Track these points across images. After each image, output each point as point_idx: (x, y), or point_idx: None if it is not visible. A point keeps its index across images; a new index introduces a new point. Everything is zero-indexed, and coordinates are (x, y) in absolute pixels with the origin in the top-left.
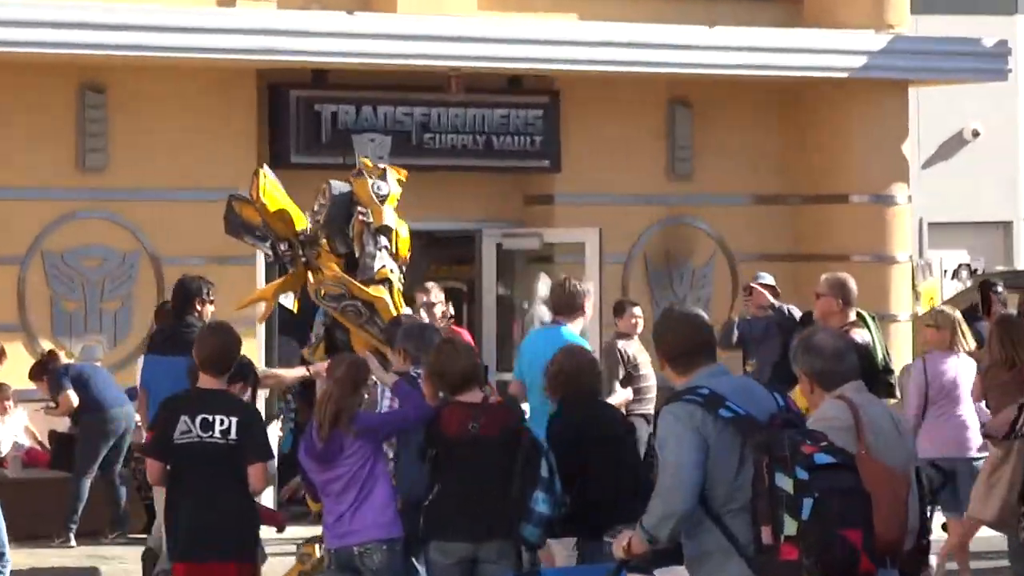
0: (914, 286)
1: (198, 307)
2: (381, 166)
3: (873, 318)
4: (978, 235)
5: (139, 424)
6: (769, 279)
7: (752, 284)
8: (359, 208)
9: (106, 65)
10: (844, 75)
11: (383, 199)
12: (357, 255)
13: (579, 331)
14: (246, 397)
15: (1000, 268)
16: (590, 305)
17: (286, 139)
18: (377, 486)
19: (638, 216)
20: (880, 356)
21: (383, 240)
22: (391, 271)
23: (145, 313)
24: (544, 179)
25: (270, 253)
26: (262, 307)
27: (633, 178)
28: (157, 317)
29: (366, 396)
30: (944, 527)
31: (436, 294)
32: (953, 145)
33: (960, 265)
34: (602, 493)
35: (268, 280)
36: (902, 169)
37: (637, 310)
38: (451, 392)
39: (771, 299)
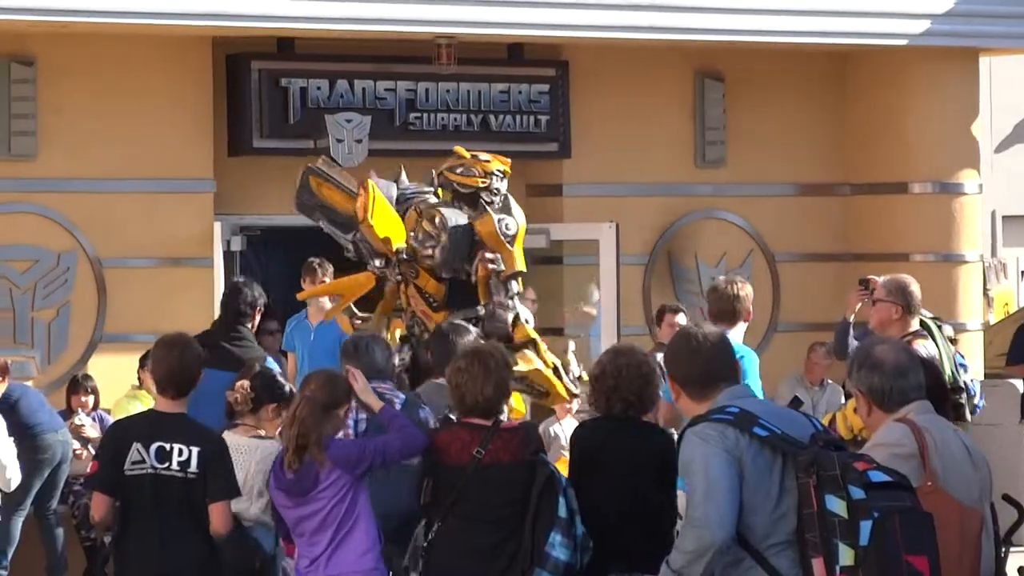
0: (986, 290)
1: (257, 317)
2: (500, 190)
3: (940, 327)
4: None
5: (77, 453)
6: None
7: (871, 277)
8: (487, 256)
9: (32, 32)
10: (903, 42)
11: (511, 240)
12: (483, 302)
13: (741, 338)
14: (279, 421)
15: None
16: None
17: (247, 120)
18: (357, 526)
19: (661, 209)
20: (948, 371)
21: (515, 287)
22: (531, 327)
23: (83, 323)
24: (551, 166)
25: (350, 248)
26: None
27: (655, 165)
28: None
29: (344, 418)
30: (1021, 571)
31: None
32: None
33: None
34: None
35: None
36: (972, 153)
37: (680, 317)
38: (463, 415)
39: None
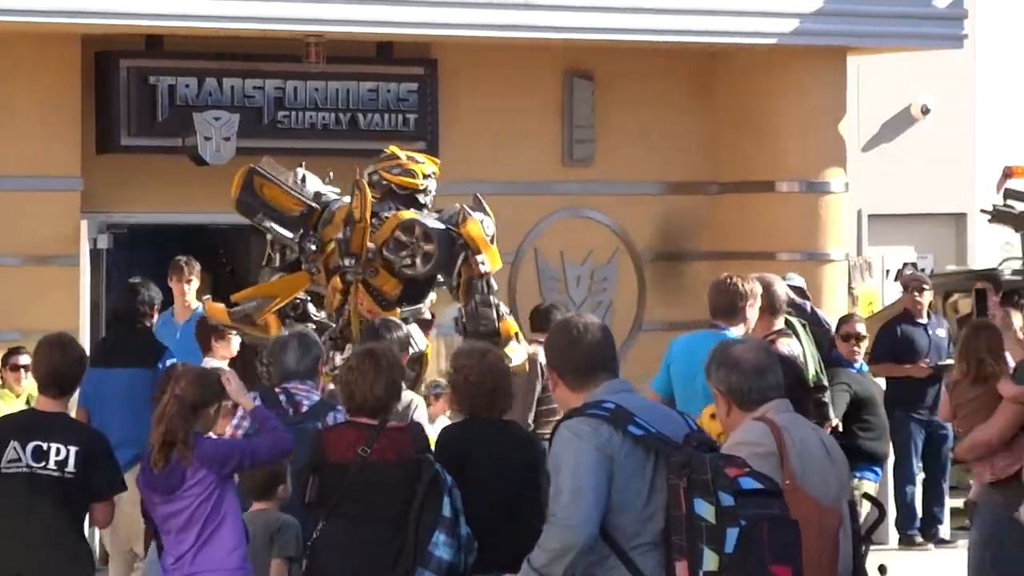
0: (850, 289)
1: (154, 315)
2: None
3: (804, 326)
4: (926, 229)
5: None
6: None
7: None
8: (476, 258)
9: None
10: (771, 41)
11: (492, 239)
12: (463, 304)
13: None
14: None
15: (952, 267)
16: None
17: (115, 117)
18: (224, 524)
19: (529, 207)
20: (812, 371)
21: (494, 284)
22: (512, 321)
23: None
24: None
25: (293, 245)
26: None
27: (523, 163)
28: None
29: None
30: (881, 569)
31: None
32: (898, 124)
33: (905, 264)
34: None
35: (95, 282)
36: (838, 152)
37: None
38: (351, 414)
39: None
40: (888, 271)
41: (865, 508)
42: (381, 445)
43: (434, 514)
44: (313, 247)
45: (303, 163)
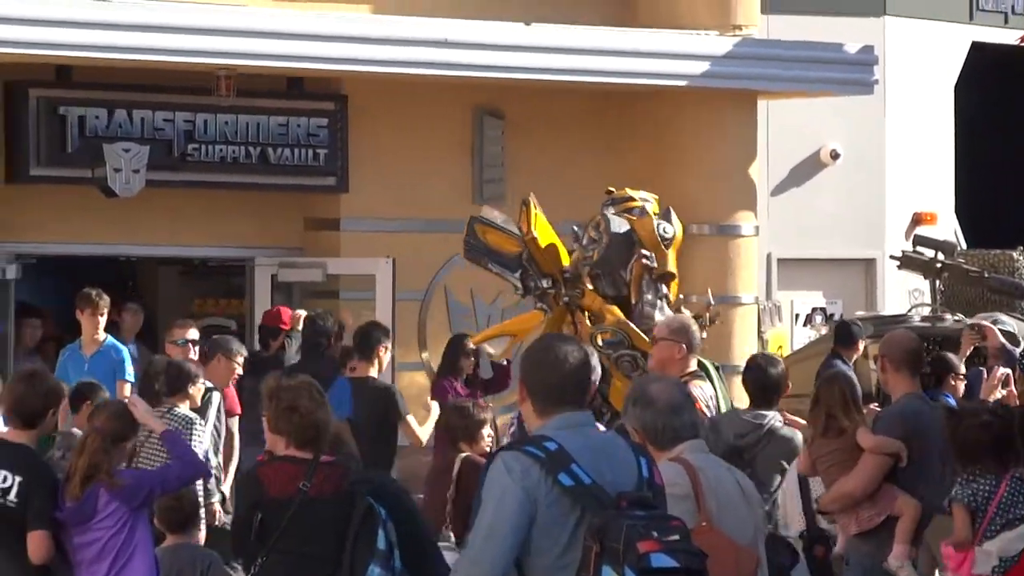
0: (760, 332)
1: (332, 343)
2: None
3: (717, 368)
4: (836, 274)
5: None
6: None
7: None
8: (643, 252)
9: None
10: (682, 83)
11: (668, 243)
12: (634, 301)
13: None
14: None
15: (861, 313)
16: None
17: (24, 147)
18: (136, 556)
19: (438, 245)
20: (724, 411)
21: (664, 288)
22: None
23: None
24: (329, 200)
25: (518, 285)
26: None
27: (433, 201)
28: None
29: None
30: None
31: (192, 333)
32: (809, 168)
33: (814, 309)
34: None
35: (3, 311)
36: (748, 195)
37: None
38: (285, 446)
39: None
40: (797, 315)
41: None
42: (319, 479)
43: (369, 547)
44: (534, 284)
45: (531, 193)
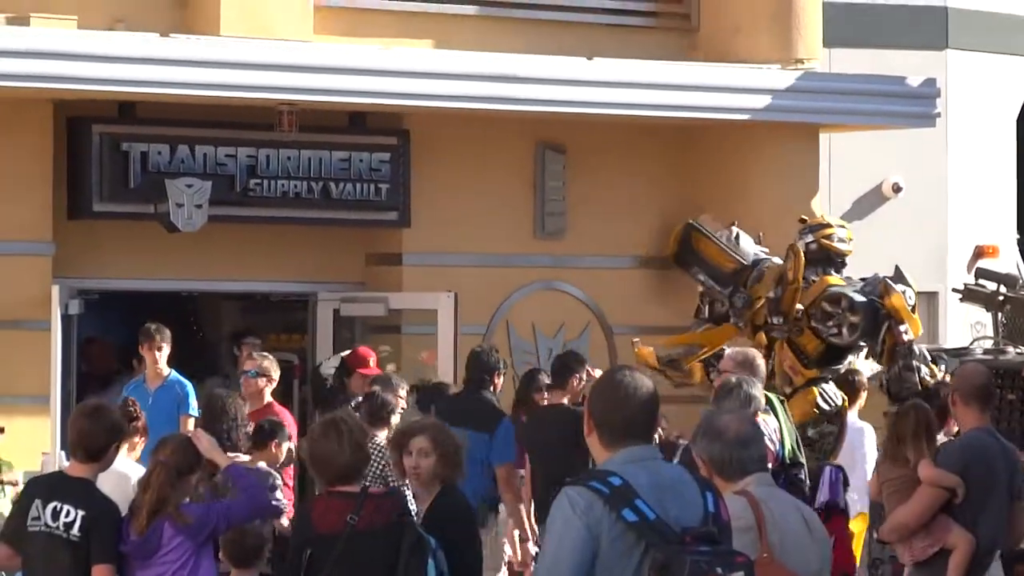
0: None
1: (496, 380)
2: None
3: (782, 402)
4: None
5: None
6: None
7: None
8: (900, 328)
9: None
10: (744, 117)
11: (913, 309)
12: (886, 368)
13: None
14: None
15: (924, 346)
16: None
17: (87, 183)
18: None
19: (500, 280)
20: (789, 446)
21: (916, 349)
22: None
23: None
24: (391, 235)
25: (724, 299)
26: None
27: (495, 235)
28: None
29: (196, 482)
30: None
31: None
32: (871, 201)
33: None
34: None
35: (66, 346)
36: None
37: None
38: (328, 484)
39: None
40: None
41: None
42: (367, 511)
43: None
44: (741, 304)
45: (736, 222)
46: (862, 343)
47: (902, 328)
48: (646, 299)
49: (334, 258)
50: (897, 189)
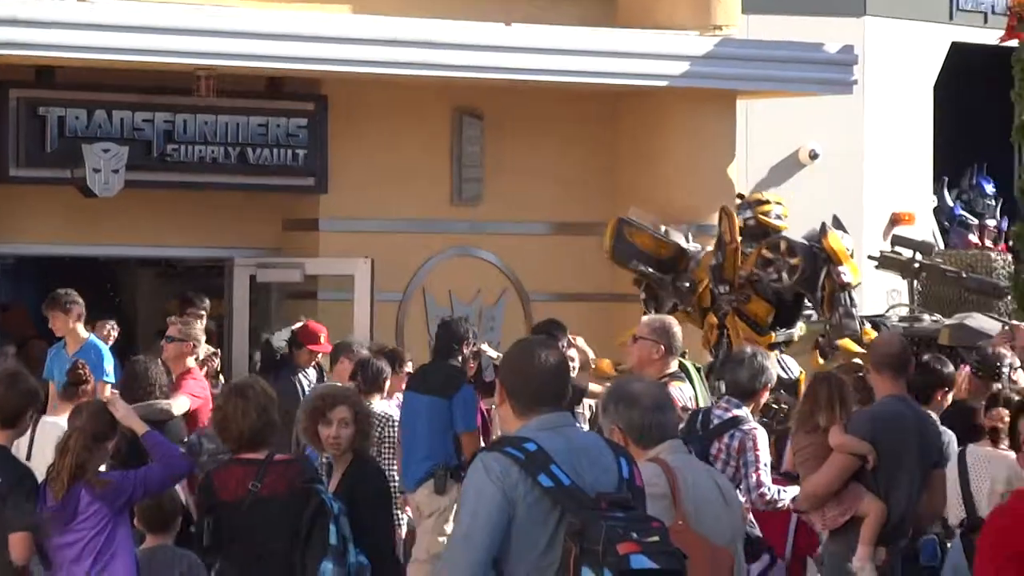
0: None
1: (464, 350)
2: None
3: (699, 370)
4: None
5: None
6: None
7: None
8: (839, 268)
9: None
10: (662, 84)
11: (851, 253)
12: (828, 314)
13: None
14: None
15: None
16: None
17: (4, 148)
18: (117, 557)
19: (417, 246)
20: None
21: (854, 297)
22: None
23: None
24: (308, 201)
25: (668, 287)
26: None
27: (412, 201)
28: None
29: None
30: None
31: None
32: (787, 168)
33: None
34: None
35: None
36: (727, 195)
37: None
38: (233, 450)
39: None
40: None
41: None
42: (271, 479)
43: (322, 543)
44: (687, 284)
45: (733, 202)
46: (797, 293)
47: (841, 269)
48: (562, 265)
49: (251, 224)
50: (814, 156)
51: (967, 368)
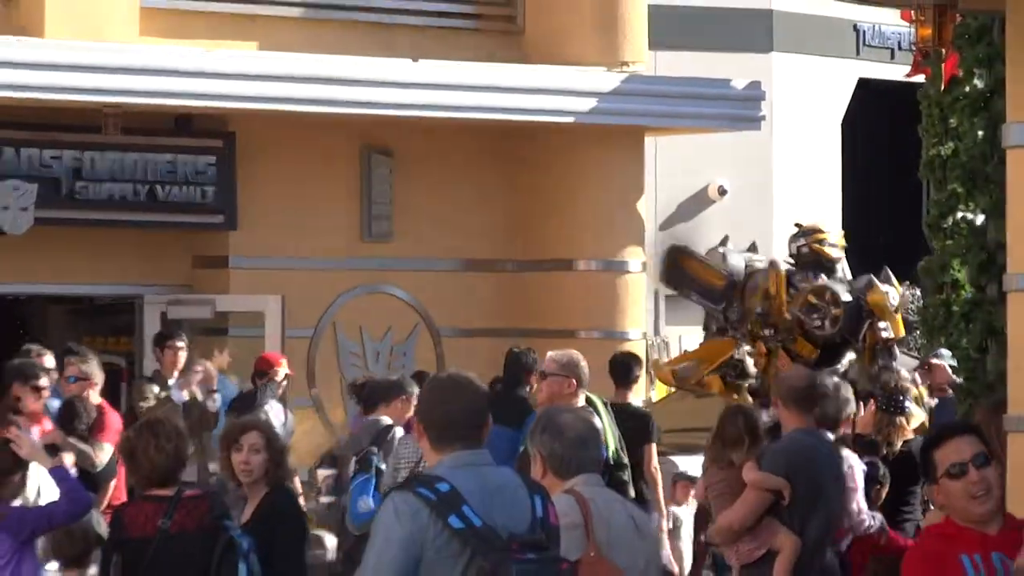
0: (648, 368)
1: (531, 380)
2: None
3: (605, 404)
4: None
5: None
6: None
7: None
8: (879, 325)
9: None
10: (570, 120)
11: (896, 309)
12: (868, 368)
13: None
14: None
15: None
16: None
17: None
18: None
19: (327, 283)
20: (612, 448)
21: (896, 351)
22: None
23: None
24: (217, 238)
25: (720, 317)
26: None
27: (322, 239)
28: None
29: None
30: None
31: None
32: (696, 204)
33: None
34: None
35: None
36: (636, 231)
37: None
38: (142, 487)
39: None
40: (685, 351)
41: None
42: (180, 516)
43: None
44: (735, 317)
45: (727, 236)
46: (843, 338)
47: (881, 325)
48: (473, 301)
49: (161, 261)
50: (723, 192)
51: (873, 403)
